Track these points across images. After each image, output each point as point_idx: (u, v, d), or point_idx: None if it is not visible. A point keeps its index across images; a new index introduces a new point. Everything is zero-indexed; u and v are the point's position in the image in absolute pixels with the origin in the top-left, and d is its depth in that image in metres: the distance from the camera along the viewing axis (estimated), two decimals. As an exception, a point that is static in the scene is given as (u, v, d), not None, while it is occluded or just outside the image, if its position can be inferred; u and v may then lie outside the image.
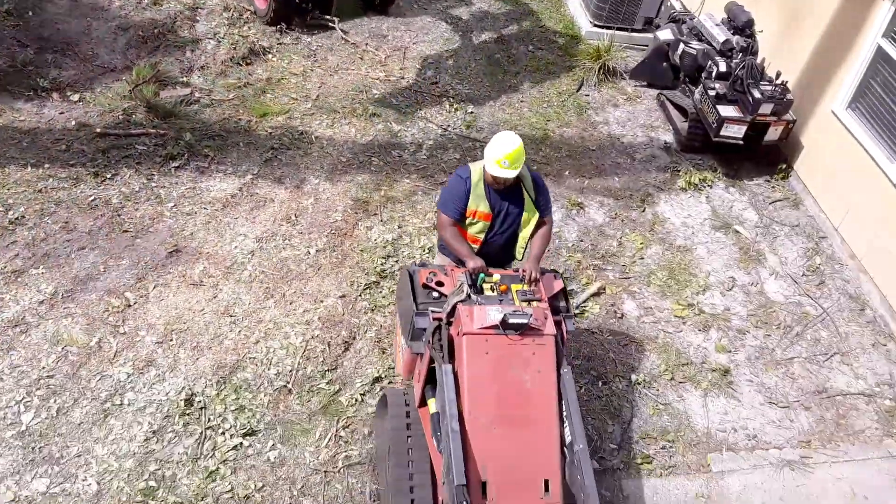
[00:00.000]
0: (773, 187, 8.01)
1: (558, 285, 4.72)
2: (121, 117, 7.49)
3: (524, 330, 4.18)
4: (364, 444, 5.15)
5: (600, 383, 5.77)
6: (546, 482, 3.95)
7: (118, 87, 7.85)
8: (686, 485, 5.15)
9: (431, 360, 4.37)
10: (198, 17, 9.14)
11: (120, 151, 7.13)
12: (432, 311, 4.43)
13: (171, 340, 5.60)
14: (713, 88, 7.91)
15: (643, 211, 7.55)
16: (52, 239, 6.19)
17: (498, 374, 4.12)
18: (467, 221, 4.75)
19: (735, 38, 8.23)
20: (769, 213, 7.67)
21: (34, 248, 6.10)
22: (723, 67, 8.04)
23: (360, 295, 6.17)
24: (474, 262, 4.54)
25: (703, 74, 8.28)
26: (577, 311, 6.29)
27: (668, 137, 8.58)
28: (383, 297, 6.18)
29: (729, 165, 8.18)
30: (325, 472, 4.97)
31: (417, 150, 7.90)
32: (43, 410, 5.03)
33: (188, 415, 5.13)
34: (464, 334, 4.16)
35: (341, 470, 5.00)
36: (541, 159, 8.01)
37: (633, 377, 5.84)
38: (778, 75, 7.80)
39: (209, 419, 5.13)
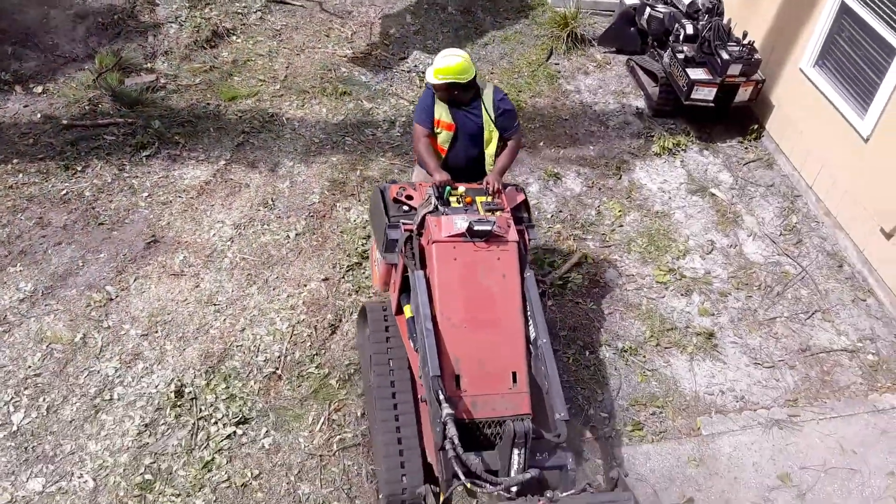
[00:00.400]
0: (745, 148, 8.10)
1: (520, 197, 5.05)
2: (87, 108, 7.33)
3: (489, 237, 4.53)
4: (358, 425, 5.17)
5: (587, 353, 5.84)
6: (514, 374, 4.31)
7: (82, 77, 7.67)
8: (678, 449, 5.25)
9: (405, 270, 4.71)
10: (157, 1, 8.92)
11: (89, 143, 6.99)
12: (403, 223, 4.79)
13: (157, 332, 5.56)
14: (681, 52, 7.93)
15: (619, 178, 7.60)
16: (28, 235, 6.08)
17: (466, 279, 4.48)
18: (436, 131, 5.10)
19: (701, 0, 8.25)
20: (744, 175, 7.77)
21: (10, 245, 5.99)
22: (690, 30, 8.07)
23: (342, 277, 6.15)
24: (440, 176, 4.87)
25: (671, 38, 8.29)
26: (559, 282, 6.35)
27: (640, 103, 8.61)
28: (366, 277, 6.17)
29: (701, 129, 8.25)
30: (320, 455, 4.99)
31: (391, 127, 7.84)
32: (33, 410, 4.98)
33: (179, 406, 5.11)
34: (433, 242, 4.50)
35: (336, 453, 5.02)
36: (515, 131, 7.99)
37: (619, 345, 5.91)
38: (745, 35, 7.85)
39: (200, 409, 5.12)
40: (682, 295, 6.41)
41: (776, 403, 5.61)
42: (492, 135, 5.13)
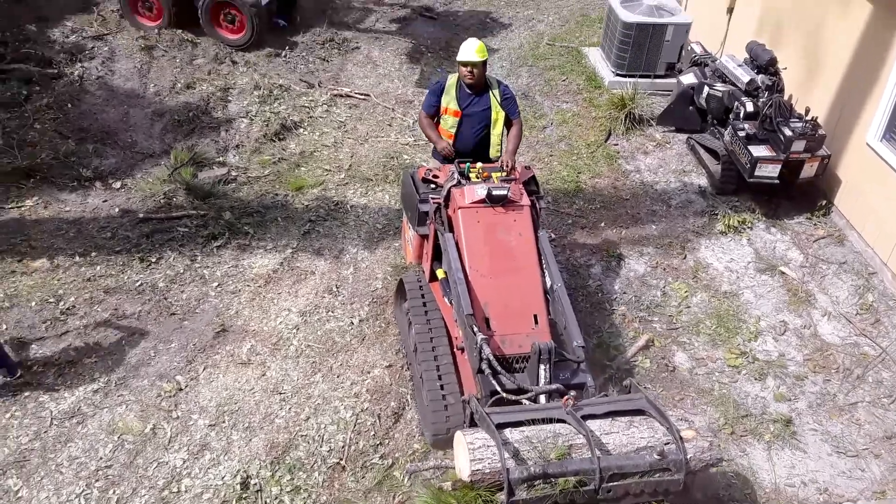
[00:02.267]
0: (814, 224, 7.91)
1: (530, 173, 5.93)
2: (162, 201, 7.67)
3: (505, 202, 5.42)
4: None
5: (658, 440, 5.64)
6: (535, 316, 5.10)
7: (158, 172, 8.06)
8: (758, 543, 4.98)
9: (436, 239, 5.67)
10: (230, 98, 9.40)
11: (163, 235, 7.28)
12: (432, 198, 5.73)
13: (224, 422, 5.62)
14: (742, 129, 7.89)
15: (684, 258, 7.49)
16: (103, 327, 6.30)
17: (488, 238, 5.36)
18: (442, 118, 6.16)
19: (760, 77, 8.23)
20: (814, 252, 7.56)
21: (86, 337, 6.20)
22: (750, 107, 8.03)
23: (405, 363, 6.15)
24: (442, 143, 6.12)
25: (731, 115, 8.27)
26: (626, 367, 6.21)
27: (703, 181, 8.55)
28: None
29: (767, 205, 8.11)
30: (385, 550, 4.90)
31: (452, 211, 7.95)
32: (103, 502, 5.05)
33: (245, 499, 5.11)
34: (459, 209, 5.40)
35: (401, 547, 4.92)
36: (575, 212, 8.01)
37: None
38: (807, 111, 7.77)
39: (265, 502, 5.10)
40: (755, 379, 6.18)
41: (863, 496, 5.29)
42: (498, 116, 6.14)
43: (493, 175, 5.70)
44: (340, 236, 7.52)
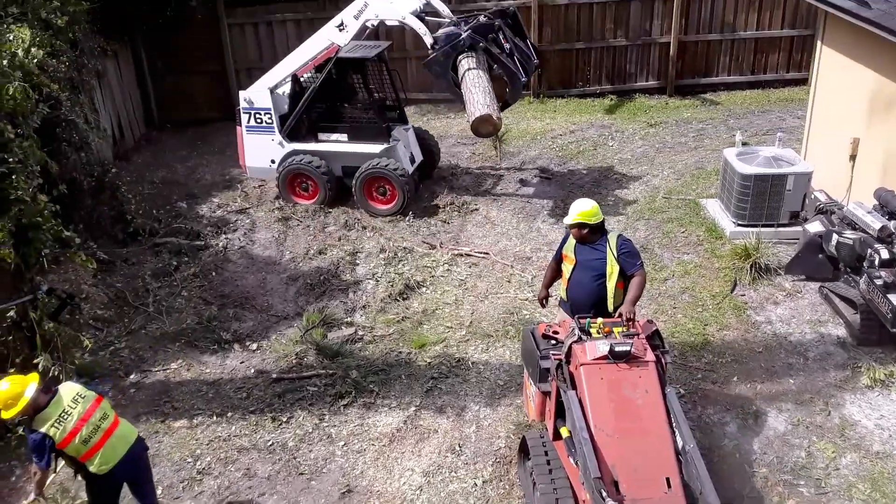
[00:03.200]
0: (971, 376, 7.27)
1: (653, 327, 5.88)
2: (294, 361, 8.03)
3: (628, 358, 5.32)
4: None
5: None
6: (667, 479, 4.87)
7: (291, 333, 8.50)
8: None
9: (558, 396, 5.56)
10: (357, 261, 9.95)
11: (294, 394, 7.56)
12: (553, 354, 5.70)
13: (349, 588, 5.53)
14: (879, 277, 7.52)
15: (828, 415, 7.01)
16: (235, 486, 6.49)
17: (613, 395, 5.22)
18: (563, 264, 6.48)
19: (892, 224, 7.94)
20: (976, 407, 6.90)
21: (219, 496, 6.39)
22: (885, 254, 7.69)
23: (533, 528, 5.92)
24: (541, 292, 6.84)
25: (865, 263, 7.94)
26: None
27: (841, 332, 8.11)
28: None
29: (916, 356, 7.57)
30: None
31: (575, 367, 7.86)
32: None
33: None
34: (581, 365, 5.33)
35: None
36: (704, 366, 7.74)
37: None
38: (949, 257, 7.36)
39: None
40: (925, 553, 5.54)
41: None
42: (613, 269, 6.17)
43: (615, 330, 5.60)
44: (462, 393, 7.56)
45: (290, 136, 11.02)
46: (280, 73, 10.93)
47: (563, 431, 5.47)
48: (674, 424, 5.16)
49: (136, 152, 13.52)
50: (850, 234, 8.28)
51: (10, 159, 6.50)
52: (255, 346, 8.37)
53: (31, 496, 5.79)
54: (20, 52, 7.75)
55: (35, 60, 8.12)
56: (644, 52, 15.25)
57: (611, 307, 6.19)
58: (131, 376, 7.88)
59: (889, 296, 7.32)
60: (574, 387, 5.36)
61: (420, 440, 6.99)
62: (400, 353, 8.21)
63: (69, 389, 5.53)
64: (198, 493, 6.42)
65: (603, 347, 5.34)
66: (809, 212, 9.47)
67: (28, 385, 5.35)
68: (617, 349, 5.29)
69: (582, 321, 5.67)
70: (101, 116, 12.21)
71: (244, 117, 11.01)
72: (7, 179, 6.47)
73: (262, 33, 14.73)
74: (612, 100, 15.21)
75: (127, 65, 13.93)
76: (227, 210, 11.35)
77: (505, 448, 6.80)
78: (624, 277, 6.21)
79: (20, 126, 7.09)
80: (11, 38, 7.99)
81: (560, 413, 5.63)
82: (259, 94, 10.90)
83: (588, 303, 6.15)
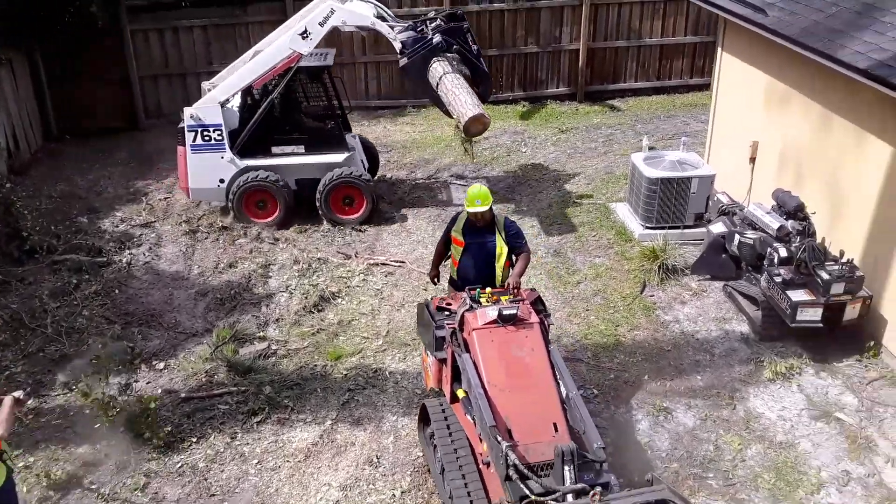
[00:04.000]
0: (866, 367, 7.65)
1: (535, 295, 6.44)
2: (203, 379, 7.77)
3: (515, 321, 5.86)
4: None
5: None
6: (555, 425, 5.38)
7: (200, 351, 8.22)
8: None
9: (454, 362, 6.08)
10: (270, 274, 9.72)
11: (204, 413, 7.31)
12: (447, 324, 6.20)
13: None
14: (778, 275, 7.85)
15: (734, 408, 7.24)
16: (143, 513, 6.22)
17: (503, 354, 5.77)
18: (452, 246, 7.03)
19: (790, 223, 8.29)
20: (869, 395, 7.26)
21: (125, 524, 6.11)
22: (784, 252, 8.03)
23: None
24: (432, 271, 7.51)
25: (766, 262, 8.26)
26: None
27: (744, 328, 8.42)
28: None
29: (814, 350, 7.90)
30: None
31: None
32: None
33: None
34: (473, 330, 5.85)
35: None
36: (616, 366, 7.90)
37: None
38: (842, 254, 7.73)
39: None
40: (825, 538, 5.77)
41: None
42: (502, 250, 6.85)
43: (503, 298, 6.13)
44: (380, 404, 7.48)
45: (241, 152, 10.49)
46: (233, 86, 10.31)
47: (460, 393, 6.00)
48: (558, 377, 5.73)
49: (33, 165, 12.85)
50: (750, 234, 8.61)
51: None
52: (161, 364, 8.05)
53: None
54: None
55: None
56: (554, 59, 15.53)
57: (498, 284, 6.77)
58: (29, 402, 7.44)
59: (787, 292, 7.65)
60: (468, 350, 5.84)
61: (337, 454, 6.87)
62: (315, 366, 8.05)
63: None
64: (102, 522, 6.13)
65: (492, 313, 5.86)
66: (713, 213, 9.80)
67: None
68: (505, 313, 5.82)
69: (472, 292, 6.16)
70: (-7, 128, 11.58)
71: (189, 136, 10.24)
72: None
73: (167, 40, 14.26)
74: (524, 106, 15.42)
75: (23, 73, 13.23)
76: (130, 224, 10.90)
77: (423, 457, 6.74)
78: (510, 257, 6.92)
79: None
80: None
81: (456, 377, 6.17)
82: (208, 110, 10.21)
83: (477, 283, 6.47)
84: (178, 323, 8.76)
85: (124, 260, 9.90)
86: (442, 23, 10.58)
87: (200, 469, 6.67)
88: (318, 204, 10.67)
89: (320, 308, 9.04)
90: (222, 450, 6.89)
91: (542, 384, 5.62)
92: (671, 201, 10.08)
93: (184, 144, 10.37)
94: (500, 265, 6.84)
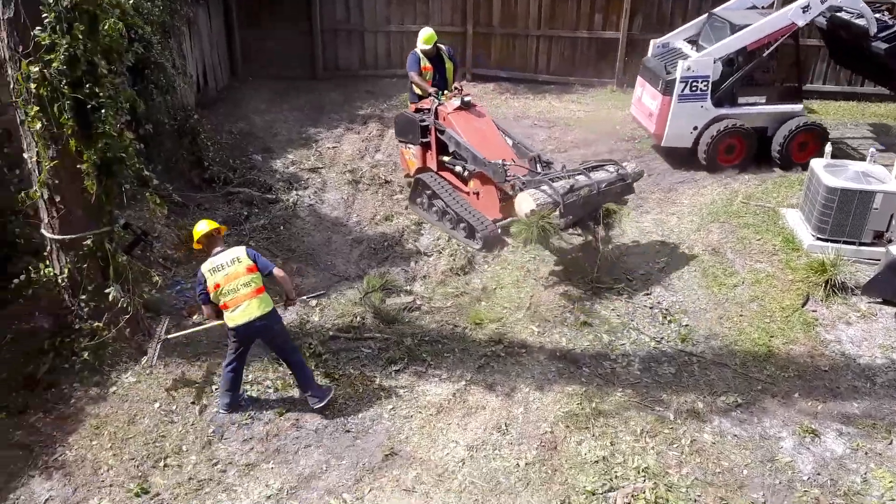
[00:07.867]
0: None
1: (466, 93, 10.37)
2: (351, 321, 8.09)
3: (472, 107, 10.02)
4: None
5: None
6: (512, 160, 9.34)
7: (351, 294, 8.57)
8: None
9: (437, 142, 9.96)
10: (422, 231, 9.96)
11: (348, 353, 7.64)
12: (426, 118, 9.97)
13: (383, 549, 5.58)
14: (965, 308, 7.18)
15: (890, 443, 6.73)
16: (283, 435, 6.60)
17: (470, 125, 9.80)
18: (423, 73, 10.48)
19: None
20: None
21: (266, 443, 6.51)
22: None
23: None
24: (430, 88, 10.34)
25: (951, 292, 7.58)
26: None
27: (915, 360, 7.77)
28: None
29: None
30: None
31: (629, 363, 7.73)
32: None
33: None
34: (448, 114, 9.81)
35: None
36: (765, 378, 7.51)
37: None
38: None
39: None
40: None
41: None
42: (449, 67, 10.66)
43: (458, 94, 10.13)
44: (514, 374, 7.51)
45: (715, 102, 11.54)
46: (730, 46, 11.37)
47: (446, 158, 9.97)
48: (502, 134, 10.14)
49: (218, 102, 13.77)
50: (937, 261, 7.90)
51: (102, 94, 6.65)
52: (314, 302, 8.47)
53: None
54: (118, -9, 7.90)
55: (131, 1, 8.29)
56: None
57: (450, 88, 10.54)
58: (194, 317, 8.07)
59: (973, 329, 6.98)
60: (443, 131, 9.78)
61: (467, 414, 6.98)
62: (456, 326, 8.20)
63: (232, 252, 6.79)
64: (247, 437, 6.56)
65: (456, 102, 9.91)
66: (894, 233, 9.06)
67: (206, 223, 6.94)
68: (465, 100, 9.92)
69: (436, 95, 10.11)
70: (188, 62, 12.46)
71: (679, 86, 11.34)
72: (97, 113, 6.63)
73: (353, -3, 14.82)
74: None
75: (217, 15, 14.16)
76: (300, 167, 11.48)
77: (550, 433, 6.74)
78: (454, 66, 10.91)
79: (114, 63, 7.26)
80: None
81: (440, 152, 9.93)
82: (702, 63, 11.34)
83: (441, 88, 10.46)
84: (334, 265, 9.17)
85: (291, 200, 10.45)
86: None
87: (339, 405, 6.98)
88: (777, 150, 11.74)
89: (466, 271, 9.17)
90: (361, 390, 7.18)
91: (496, 141, 9.80)
92: (849, 214, 9.39)
93: (669, 94, 11.47)
94: (449, 79, 10.63)
